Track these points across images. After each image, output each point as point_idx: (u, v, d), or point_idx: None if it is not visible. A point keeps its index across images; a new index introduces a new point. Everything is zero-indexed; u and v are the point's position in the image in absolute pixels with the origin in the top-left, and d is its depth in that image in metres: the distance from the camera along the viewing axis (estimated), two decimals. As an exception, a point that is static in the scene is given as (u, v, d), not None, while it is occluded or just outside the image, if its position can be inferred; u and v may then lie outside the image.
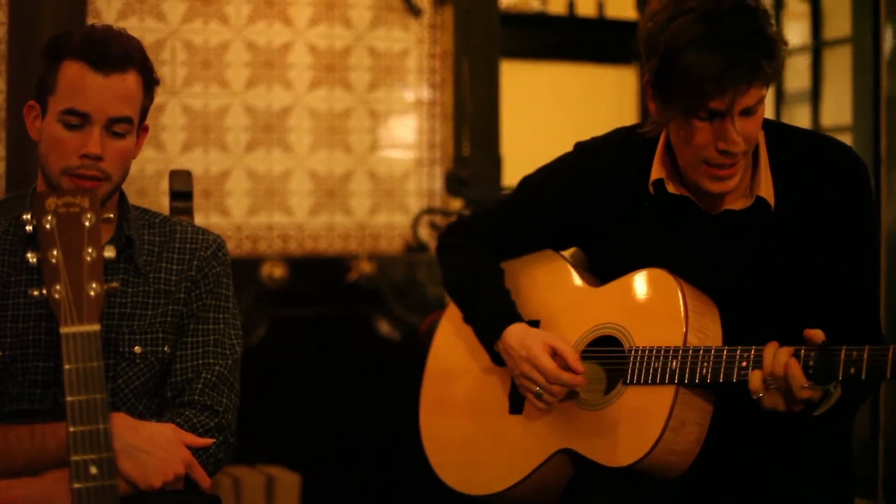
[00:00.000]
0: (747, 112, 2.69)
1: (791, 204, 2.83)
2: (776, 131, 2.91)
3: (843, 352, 2.57)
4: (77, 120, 2.71)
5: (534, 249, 3.20)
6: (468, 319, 3.20)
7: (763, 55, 2.63)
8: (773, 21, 2.69)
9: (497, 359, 3.10)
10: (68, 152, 2.72)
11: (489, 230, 3.22)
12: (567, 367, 2.92)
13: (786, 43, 2.71)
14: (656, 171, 2.89)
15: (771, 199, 2.83)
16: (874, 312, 2.90)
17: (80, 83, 2.70)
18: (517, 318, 3.08)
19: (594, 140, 3.08)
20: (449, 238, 3.31)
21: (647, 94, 2.82)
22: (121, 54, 2.73)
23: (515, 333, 3.04)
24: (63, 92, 2.71)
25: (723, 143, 2.71)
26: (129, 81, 2.75)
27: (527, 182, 3.18)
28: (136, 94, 2.78)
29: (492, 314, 3.11)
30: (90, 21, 4.54)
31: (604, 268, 3.07)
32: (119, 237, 2.84)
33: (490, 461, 3.11)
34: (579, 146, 3.11)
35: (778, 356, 2.63)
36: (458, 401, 3.24)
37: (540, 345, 2.98)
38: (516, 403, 3.10)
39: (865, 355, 2.55)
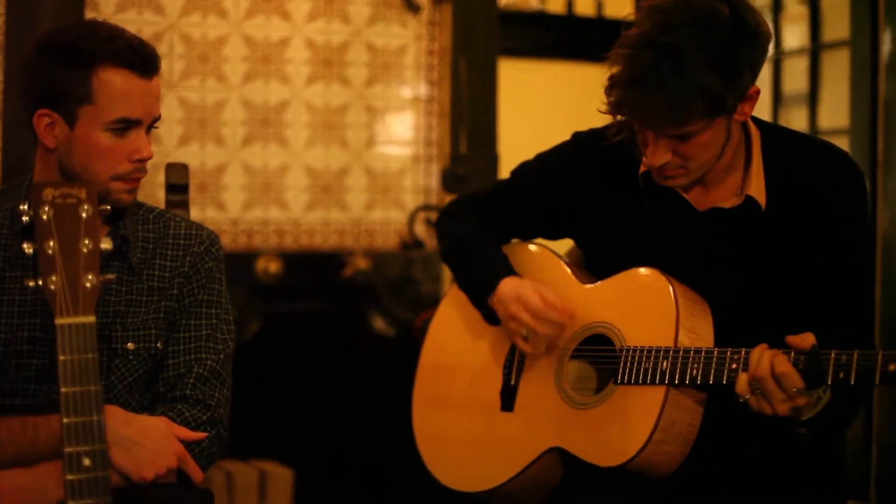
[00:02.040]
0: (682, 138, 2.73)
1: (783, 206, 2.83)
2: (773, 133, 2.92)
3: (833, 356, 2.58)
4: (125, 126, 2.72)
5: (527, 233, 3.25)
6: (462, 282, 3.23)
7: (688, 102, 2.65)
8: (724, 62, 2.67)
9: (490, 316, 3.12)
10: (119, 159, 2.73)
11: (486, 210, 3.25)
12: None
13: (738, 71, 2.69)
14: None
15: (762, 200, 2.83)
16: (866, 319, 2.91)
17: (129, 91, 2.71)
18: (513, 272, 3.10)
19: (591, 131, 3.09)
20: (447, 214, 3.36)
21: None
22: (155, 55, 2.76)
23: (510, 282, 3.06)
24: (108, 102, 2.70)
25: (651, 159, 2.79)
26: (159, 80, 2.79)
27: (523, 168, 3.21)
28: None
29: (488, 270, 3.13)
30: (88, 14, 4.54)
31: (595, 260, 3.09)
32: (115, 236, 2.84)
33: (481, 458, 3.11)
34: (576, 136, 3.14)
35: (762, 359, 2.64)
36: (451, 397, 3.24)
37: (530, 287, 3.01)
38: (507, 401, 3.10)
39: (854, 360, 2.55)
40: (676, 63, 2.63)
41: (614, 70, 2.71)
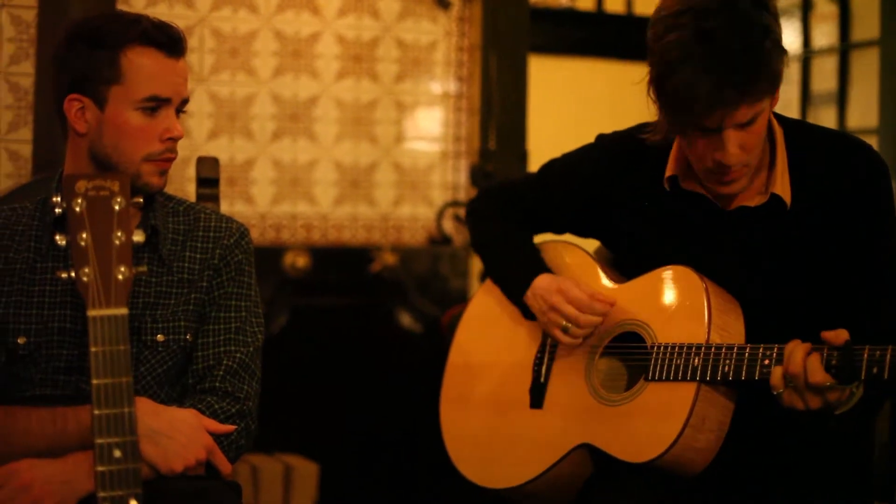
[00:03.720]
0: (743, 125, 2.69)
1: (808, 202, 2.83)
2: (796, 129, 2.91)
3: (867, 351, 2.57)
4: (155, 105, 2.74)
5: (556, 229, 3.26)
6: (496, 276, 3.26)
7: (753, 74, 2.62)
8: (773, 31, 2.66)
9: (525, 310, 3.14)
10: (150, 138, 2.75)
11: (516, 204, 3.27)
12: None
13: (785, 53, 2.69)
14: (671, 168, 2.90)
15: (787, 197, 2.83)
16: (893, 312, 2.90)
17: (158, 70, 2.74)
18: (548, 270, 3.13)
19: (615, 133, 3.10)
20: (478, 204, 3.38)
21: (649, 95, 2.81)
22: (181, 36, 2.79)
23: (547, 277, 3.10)
24: (137, 80, 2.72)
25: (719, 154, 2.71)
26: (186, 62, 2.81)
27: (549, 167, 3.23)
28: None
29: (523, 266, 3.16)
30: (119, 7, 4.55)
31: (622, 261, 3.09)
32: (145, 226, 2.85)
33: (510, 455, 3.11)
34: (600, 138, 3.14)
35: (795, 354, 2.63)
36: (479, 395, 3.24)
37: (571, 280, 3.05)
38: (537, 398, 3.10)
39: (889, 355, 2.54)
40: (744, 36, 2.61)
41: (657, 51, 2.68)
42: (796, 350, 2.63)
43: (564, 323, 3.01)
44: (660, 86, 2.69)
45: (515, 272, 3.16)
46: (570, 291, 3.02)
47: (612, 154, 3.06)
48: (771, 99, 2.71)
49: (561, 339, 3.04)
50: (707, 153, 2.74)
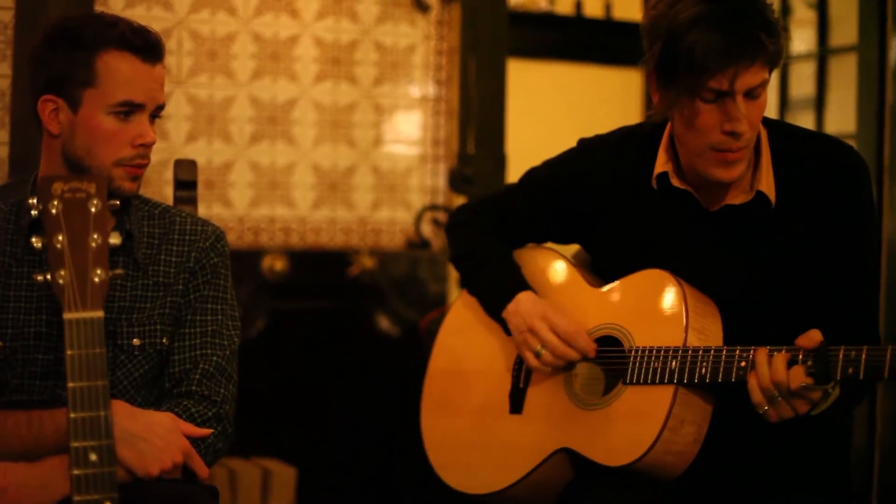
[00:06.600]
0: (751, 94, 2.71)
1: (791, 200, 2.84)
2: (778, 129, 2.93)
3: (842, 352, 2.58)
4: (129, 110, 2.72)
5: (536, 240, 3.24)
6: (475, 289, 3.23)
7: (765, 33, 2.66)
8: (773, 6, 2.73)
9: (503, 325, 3.13)
10: (122, 143, 2.73)
11: (495, 217, 3.25)
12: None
13: (785, 29, 2.74)
14: (661, 165, 2.90)
15: (772, 195, 2.83)
16: (872, 311, 2.91)
17: (133, 75, 2.72)
18: (529, 286, 3.10)
19: (596, 137, 3.11)
20: (458, 217, 3.36)
21: (649, 83, 2.83)
22: (159, 42, 2.77)
23: (530, 296, 3.08)
24: (112, 85, 2.71)
25: (728, 123, 2.71)
26: (163, 68, 2.79)
27: (531, 175, 3.22)
28: None
29: (504, 281, 3.13)
30: (98, 9, 4.54)
31: (604, 265, 3.08)
32: (121, 230, 2.83)
33: (490, 460, 3.10)
34: (581, 143, 3.14)
35: (776, 363, 2.63)
36: (460, 401, 3.23)
37: (557, 308, 3.03)
38: (516, 403, 3.10)
39: (864, 355, 2.55)
40: (750, 1, 2.70)
41: (664, 24, 2.71)
42: (777, 360, 2.63)
43: (538, 348, 3.01)
44: (670, 52, 2.70)
45: (495, 288, 3.15)
46: (555, 318, 3.01)
47: (594, 157, 3.06)
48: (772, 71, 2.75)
49: (530, 363, 3.04)
50: (715, 125, 2.73)
